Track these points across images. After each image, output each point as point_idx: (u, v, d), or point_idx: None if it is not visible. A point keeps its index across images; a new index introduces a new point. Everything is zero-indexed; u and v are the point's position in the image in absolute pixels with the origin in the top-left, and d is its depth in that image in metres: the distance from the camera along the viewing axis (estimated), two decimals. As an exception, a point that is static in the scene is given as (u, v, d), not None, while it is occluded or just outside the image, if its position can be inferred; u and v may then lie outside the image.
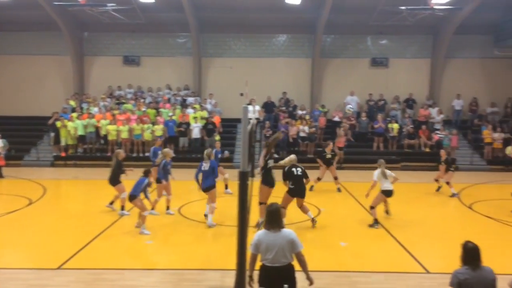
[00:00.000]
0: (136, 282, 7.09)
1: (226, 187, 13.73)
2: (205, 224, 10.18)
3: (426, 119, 21.69)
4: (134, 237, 9.42)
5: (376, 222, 10.34)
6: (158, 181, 11.31)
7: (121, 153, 11.47)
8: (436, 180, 14.79)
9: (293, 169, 9.83)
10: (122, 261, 8.07)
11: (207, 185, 10.35)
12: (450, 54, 22.79)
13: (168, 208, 11.46)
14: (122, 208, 11.18)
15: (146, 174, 9.92)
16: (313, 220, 10.22)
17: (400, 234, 9.66)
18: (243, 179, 6.72)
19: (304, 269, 5.12)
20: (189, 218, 10.94)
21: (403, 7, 19.45)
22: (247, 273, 5.33)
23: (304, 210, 10.16)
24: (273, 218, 5.17)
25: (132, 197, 9.64)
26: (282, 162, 10.25)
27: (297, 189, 9.84)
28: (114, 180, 11.10)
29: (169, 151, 11.78)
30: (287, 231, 5.13)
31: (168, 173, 11.48)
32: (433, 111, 21.84)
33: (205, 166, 10.44)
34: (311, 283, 5.15)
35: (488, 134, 20.34)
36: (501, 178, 17.35)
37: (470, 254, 4.79)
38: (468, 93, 22.51)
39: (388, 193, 10.44)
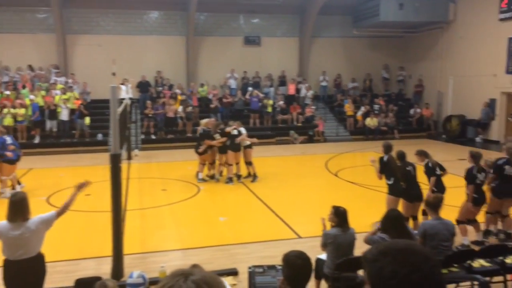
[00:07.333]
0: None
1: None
2: (74, 213, 9.44)
3: (296, 94, 22.96)
4: None
5: None
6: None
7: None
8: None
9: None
10: None
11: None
12: (316, 33, 24.27)
13: None
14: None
15: None
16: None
17: (275, 205, 10.17)
18: (115, 162, 6.48)
19: None
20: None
21: (271, -14, 20.13)
22: None
23: None
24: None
25: None
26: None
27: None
28: None
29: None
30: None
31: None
32: (303, 88, 23.19)
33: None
34: None
35: (349, 108, 22.30)
36: (362, 147, 19.18)
37: (342, 217, 5.38)
38: (333, 70, 24.30)
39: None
